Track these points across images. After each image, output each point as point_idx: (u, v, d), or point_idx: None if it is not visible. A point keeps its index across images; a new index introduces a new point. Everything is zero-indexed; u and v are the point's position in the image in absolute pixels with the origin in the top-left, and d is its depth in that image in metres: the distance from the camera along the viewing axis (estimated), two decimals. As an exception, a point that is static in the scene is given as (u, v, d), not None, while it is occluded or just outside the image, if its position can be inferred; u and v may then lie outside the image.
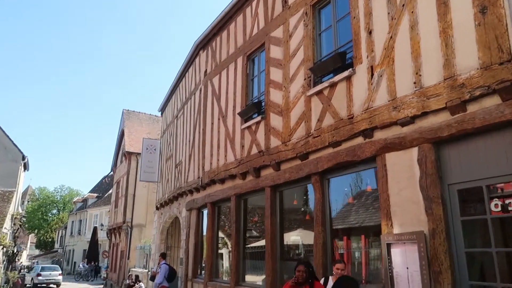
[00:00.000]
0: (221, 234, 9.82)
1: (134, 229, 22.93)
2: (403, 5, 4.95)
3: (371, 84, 5.26)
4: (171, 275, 11.26)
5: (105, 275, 29.05)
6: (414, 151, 4.60)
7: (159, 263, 11.74)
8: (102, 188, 47.58)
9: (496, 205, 3.99)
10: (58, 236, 55.29)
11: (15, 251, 25.92)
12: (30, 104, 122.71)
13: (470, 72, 4.07)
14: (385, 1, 5.24)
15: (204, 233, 10.45)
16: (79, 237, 45.16)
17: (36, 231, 54.69)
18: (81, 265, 35.79)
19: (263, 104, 7.88)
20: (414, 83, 4.65)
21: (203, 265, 10.29)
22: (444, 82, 4.30)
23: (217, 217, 9.80)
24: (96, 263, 34.83)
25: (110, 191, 36.70)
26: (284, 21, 7.44)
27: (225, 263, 9.57)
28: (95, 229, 34.62)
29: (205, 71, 11.03)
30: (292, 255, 7.25)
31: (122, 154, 26.29)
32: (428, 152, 4.42)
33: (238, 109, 8.71)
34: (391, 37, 5.08)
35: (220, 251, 9.79)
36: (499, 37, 3.88)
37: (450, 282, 4.01)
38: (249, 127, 8.11)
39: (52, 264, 35.69)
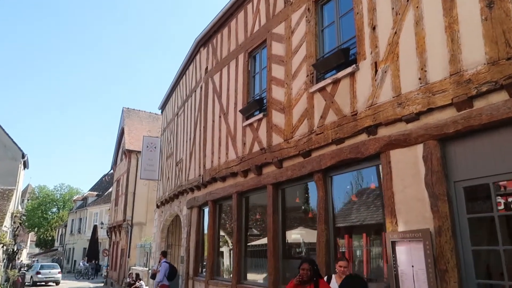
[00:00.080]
0: (222, 232, 9.78)
1: (135, 227, 22.90)
2: (408, 0, 4.88)
3: (375, 80, 5.20)
4: (172, 274, 11.22)
5: (105, 274, 29.03)
6: (419, 148, 4.54)
7: (159, 261, 11.70)
8: (102, 187, 47.54)
9: (498, 203, 3.95)
10: (58, 235, 55.31)
11: (15, 249, 25.89)
12: (30, 102, 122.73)
13: (476, 67, 4.01)
14: (389, -4, 5.17)
15: (205, 231, 10.40)
16: (79, 236, 45.16)
17: (36, 230, 54.72)
18: (81, 264, 35.77)
19: (264, 101, 7.82)
20: (419, 79, 4.59)
21: (204, 263, 10.25)
22: (450, 78, 4.24)
23: (218, 215, 9.75)
24: (97, 262, 34.83)
25: (110, 190, 36.66)
26: (286, 17, 7.37)
27: (226, 261, 9.53)
28: (95, 227, 34.63)
29: (206, 68, 10.96)
30: (294, 253, 7.20)
31: (122, 152, 26.23)
32: (434, 149, 4.36)
33: (239, 107, 8.65)
34: (395, 32, 5.01)
35: (221, 249, 9.75)
36: (506, 31, 3.82)
37: (456, 281, 3.96)
38: (250, 125, 8.05)
39: (52, 262, 35.70)
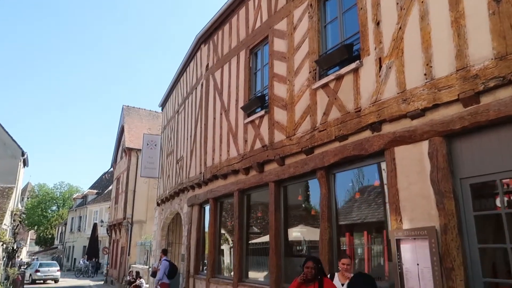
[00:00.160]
0: (223, 230, 9.72)
1: (135, 225, 22.85)
2: (413, -5, 4.81)
3: (379, 76, 5.13)
4: (172, 272, 11.18)
5: (106, 271, 29.01)
6: (425, 144, 4.48)
7: (160, 259, 11.67)
8: (102, 185, 47.50)
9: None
10: (58, 233, 55.27)
11: (15, 247, 25.82)
12: (30, 102, 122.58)
13: (484, 62, 3.94)
14: (394, -9, 5.10)
15: (206, 229, 10.35)
16: (79, 234, 45.12)
17: (36, 228, 54.67)
18: (81, 262, 35.76)
19: (266, 98, 7.75)
20: (425, 74, 4.52)
21: (205, 261, 10.20)
22: (457, 73, 4.17)
23: (219, 213, 9.69)
24: (97, 260, 34.81)
25: (110, 188, 36.62)
26: (288, 14, 7.30)
27: (227, 259, 9.48)
28: (95, 225, 34.60)
29: (207, 65, 10.89)
30: (296, 251, 7.14)
31: (122, 150, 26.16)
32: (440, 145, 4.30)
33: (241, 103, 8.58)
34: (400, 28, 4.94)
35: (222, 247, 9.70)
36: (514, 26, 3.75)
37: (462, 279, 3.91)
38: (252, 122, 7.99)
39: (52, 260, 35.69)
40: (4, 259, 21.61)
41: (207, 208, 10.29)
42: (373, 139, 5.14)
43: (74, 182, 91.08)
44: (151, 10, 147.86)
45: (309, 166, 6.25)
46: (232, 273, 8.57)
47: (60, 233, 54.07)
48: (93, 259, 34.34)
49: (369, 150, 5.19)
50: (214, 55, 10.48)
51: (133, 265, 19.84)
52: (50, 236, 55.87)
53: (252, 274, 8.11)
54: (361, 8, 5.62)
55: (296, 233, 7.23)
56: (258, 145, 7.67)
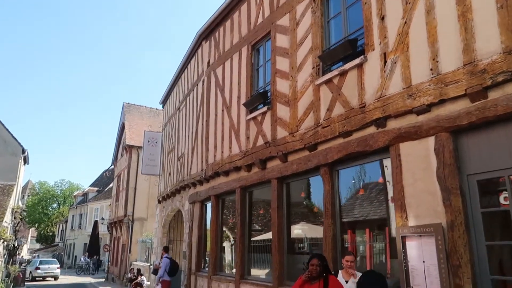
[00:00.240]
0: (225, 228, 9.68)
1: (135, 223, 22.83)
2: (419, -11, 4.74)
3: (384, 71, 5.07)
4: (173, 269, 11.16)
5: (107, 269, 29.03)
6: (431, 140, 4.42)
7: (161, 257, 11.63)
8: (103, 182, 47.47)
9: (505, 198, 3.85)
10: (58, 230, 55.31)
11: (16, 245, 25.82)
12: (31, 99, 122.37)
13: (492, 57, 3.88)
14: (399, -15, 5.03)
15: (208, 226, 10.31)
16: (79, 231, 45.14)
17: (36, 225, 54.71)
18: (82, 259, 35.77)
19: (269, 94, 7.69)
20: (431, 69, 4.46)
21: (207, 258, 10.16)
22: (464, 68, 4.11)
23: (221, 210, 9.65)
24: (98, 257, 34.82)
25: (111, 185, 36.59)
26: (290, 9, 7.23)
27: (229, 256, 9.44)
28: (95, 223, 34.54)
29: (208, 62, 10.82)
30: (299, 248, 7.10)
31: (122, 147, 26.11)
32: (446, 141, 4.24)
33: (243, 100, 8.52)
34: (405, 22, 4.88)
35: (223, 245, 9.66)
36: (523, 19, 3.69)
37: (470, 276, 3.86)
38: (254, 118, 7.93)
39: (53, 258, 35.72)
40: (5, 256, 21.60)
41: (209, 205, 10.25)
42: (378, 135, 5.08)
43: (74, 180, 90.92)
44: (151, 8, 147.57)
45: (313, 163, 6.19)
46: (233, 271, 8.54)
47: (61, 230, 54.11)
48: (94, 257, 34.34)
49: (373, 146, 5.13)
50: (215, 52, 10.41)
51: (134, 263, 19.82)
52: (51, 233, 55.93)
53: (254, 272, 8.07)
54: (366, 3, 5.54)
55: (299, 230, 7.18)
56: (260, 141, 7.61)
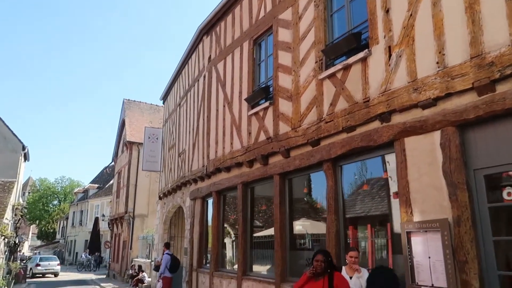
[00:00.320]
0: (226, 224, 9.63)
1: (136, 219, 22.81)
2: (424, -19, 4.66)
3: (389, 65, 5.00)
4: (174, 265, 11.11)
5: (108, 265, 29.06)
6: (436, 135, 4.36)
7: (163, 253, 11.59)
8: (103, 179, 47.40)
9: (509, 193, 3.80)
10: (59, 227, 55.36)
11: (16, 241, 25.83)
12: (31, 95, 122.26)
13: (500, 49, 3.81)
14: (404, -23, 4.95)
15: (209, 222, 10.26)
16: (80, 228, 45.15)
17: (37, 222, 54.78)
18: (83, 256, 35.80)
19: (271, 89, 7.62)
20: (437, 63, 4.39)
21: (208, 255, 10.12)
22: (471, 61, 4.04)
23: (222, 206, 9.60)
24: (99, 254, 34.86)
25: (111, 182, 36.52)
26: (293, 3, 7.14)
27: (231, 253, 9.40)
28: (96, 219, 34.59)
29: (209, 57, 10.74)
30: (300, 244, 7.05)
31: (123, 144, 26.05)
32: (452, 135, 4.17)
33: (244, 95, 8.45)
34: (411, 15, 4.80)
35: (225, 241, 9.62)
36: (533, 11, 3.62)
37: (476, 272, 3.80)
38: (256, 113, 7.86)
39: (53, 254, 35.79)
40: (6, 253, 21.60)
41: (210, 201, 10.20)
42: (382, 130, 5.02)
43: (75, 177, 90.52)
44: (152, 3, 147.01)
45: (315, 158, 6.13)
46: (235, 267, 8.50)
47: (62, 227, 54.16)
48: (95, 253, 34.37)
49: (378, 141, 5.07)
50: (216, 47, 10.33)
51: (135, 259, 19.82)
52: (51, 230, 55.99)
53: (256, 268, 8.03)
54: (370, -4, 5.46)
55: (300, 226, 7.13)
56: (262, 137, 7.55)
